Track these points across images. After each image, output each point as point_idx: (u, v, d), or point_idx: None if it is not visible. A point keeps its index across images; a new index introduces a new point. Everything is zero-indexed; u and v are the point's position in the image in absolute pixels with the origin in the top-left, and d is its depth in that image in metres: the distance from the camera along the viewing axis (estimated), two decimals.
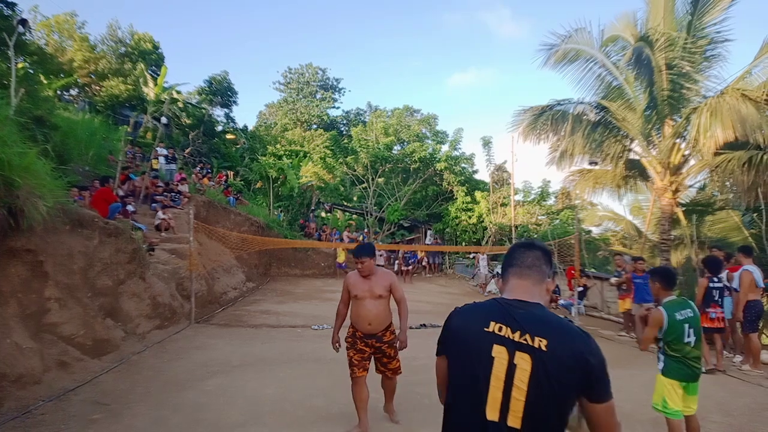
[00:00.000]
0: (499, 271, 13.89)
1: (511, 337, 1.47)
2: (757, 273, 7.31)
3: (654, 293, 4.08)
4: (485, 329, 1.50)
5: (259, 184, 25.33)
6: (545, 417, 1.41)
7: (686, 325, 3.81)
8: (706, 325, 7.27)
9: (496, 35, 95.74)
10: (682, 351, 3.80)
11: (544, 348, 1.43)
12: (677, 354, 3.80)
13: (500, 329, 1.48)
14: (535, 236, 23.80)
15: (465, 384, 1.51)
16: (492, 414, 1.44)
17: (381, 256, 19.50)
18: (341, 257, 20.46)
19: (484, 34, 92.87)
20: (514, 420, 1.42)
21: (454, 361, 1.58)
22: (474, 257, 21.06)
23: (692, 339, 3.83)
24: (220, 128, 29.80)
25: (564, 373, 1.42)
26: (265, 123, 43.31)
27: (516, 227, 23.53)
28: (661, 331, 3.84)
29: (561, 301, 14.23)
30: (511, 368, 1.44)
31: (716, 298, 7.33)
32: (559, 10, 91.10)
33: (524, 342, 1.45)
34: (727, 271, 8.00)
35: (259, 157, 26.88)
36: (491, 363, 1.46)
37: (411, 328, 10.33)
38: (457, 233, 26.60)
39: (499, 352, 1.46)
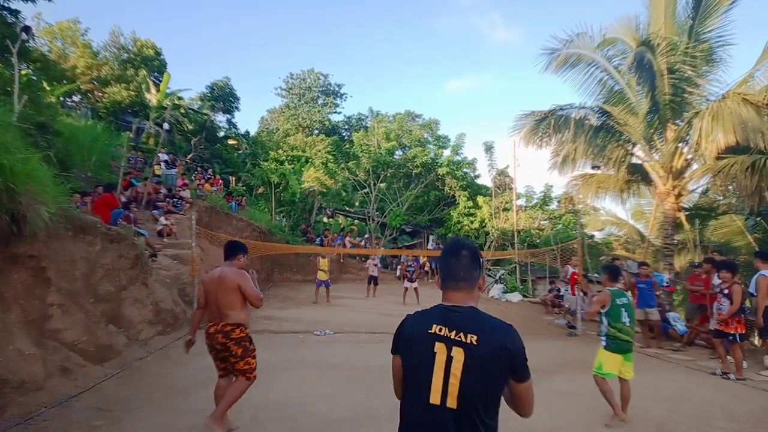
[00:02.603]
0: (501, 276, 13.88)
1: (448, 336, 1.77)
2: None
3: (603, 283, 5.27)
4: (429, 331, 1.80)
5: (261, 190, 25.36)
6: (476, 397, 1.72)
7: (622, 309, 4.99)
8: (745, 332, 7.25)
9: (489, 40, 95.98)
10: (620, 328, 4.95)
11: (474, 342, 1.74)
12: (615, 330, 4.94)
13: (440, 330, 1.78)
14: (538, 241, 23.78)
15: (415, 376, 1.81)
16: (434, 398, 1.73)
17: (376, 266, 17.86)
18: (324, 273, 15.21)
19: (477, 38, 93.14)
20: (452, 401, 1.71)
21: (406, 359, 1.87)
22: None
23: (627, 320, 4.99)
24: (222, 134, 29.91)
25: (490, 360, 1.73)
26: (267, 128, 43.35)
27: (518, 232, 23.47)
28: (604, 309, 5.05)
29: (566, 306, 14.08)
30: (449, 360, 1.74)
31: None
32: (552, 14, 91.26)
33: (459, 339, 1.75)
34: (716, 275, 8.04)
35: (261, 163, 26.92)
36: (434, 357, 1.76)
37: None
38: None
39: (439, 348, 1.76)
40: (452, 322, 1.78)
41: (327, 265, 15.46)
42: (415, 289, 15.85)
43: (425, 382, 1.75)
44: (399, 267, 24.46)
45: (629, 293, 9.73)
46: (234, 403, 4.40)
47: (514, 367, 1.76)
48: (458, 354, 1.73)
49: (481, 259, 1.94)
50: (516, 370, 1.76)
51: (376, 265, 17.79)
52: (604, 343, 5.07)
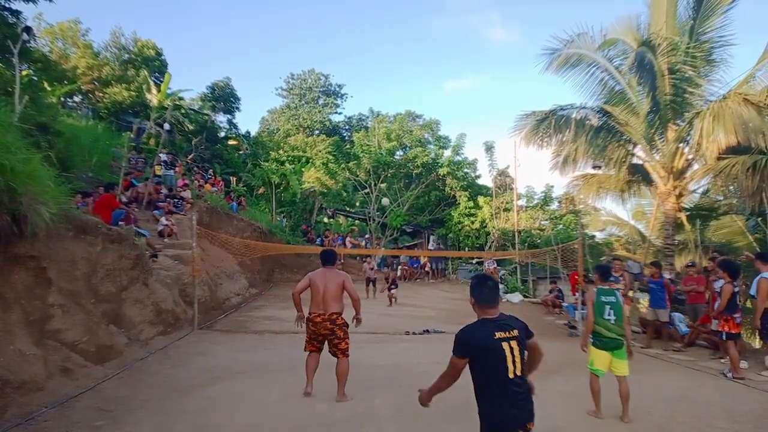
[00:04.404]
0: (502, 276, 13.91)
1: (506, 336, 2.77)
2: None
3: (594, 282, 5.57)
4: (494, 338, 2.75)
5: (261, 190, 25.36)
6: (525, 362, 2.80)
7: (607, 306, 5.18)
8: (733, 331, 7.22)
9: (487, 41, 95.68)
10: (603, 324, 5.15)
11: (516, 334, 2.80)
12: (600, 327, 5.16)
13: (500, 335, 2.76)
14: (538, 241, 23.79)
15: (494, 366, 2.73)
16: (511, 374, 2.71)
17: (372, 269, 17.75)
18: None
19: (475, 39, 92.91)
20: (519, 371, 2.75)
21: (482, 358, 2.75)
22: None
23: (611, 318, 5.15)
24: (222, 134, 29.86)
25: (524, 338, 2.84)
26: (267, 129, 43.35)
27: (519, 232, 23.47)
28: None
29: (564, 305, 14.16)
30: (512, 349, 2.74)
31: (737, 303, 7.31)
32: (550, 14, 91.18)
33: (511, 336, 2.78)
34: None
35: (262, 163, 26.92)
36: (504, 351, 2.72)
37: (414, 333, 10.35)
38: (460, 238, 26.55)
39: (506, 346, 2.74)
40: (503, 328, 2.78)
41: None
42: (394, 296, 15.33)
43: (504, 367, 2.70)
44: (399, 267, 24.51)
45: (624, 293, 9.84)
46: (346, 378, 5.53)
47: (529, 333, 2.89)
48: (515, 344, 2.75)
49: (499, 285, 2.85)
50: (529, 334, 2.89)
51: (372, 268, 17.74)
52: (591, 340, 5.32)
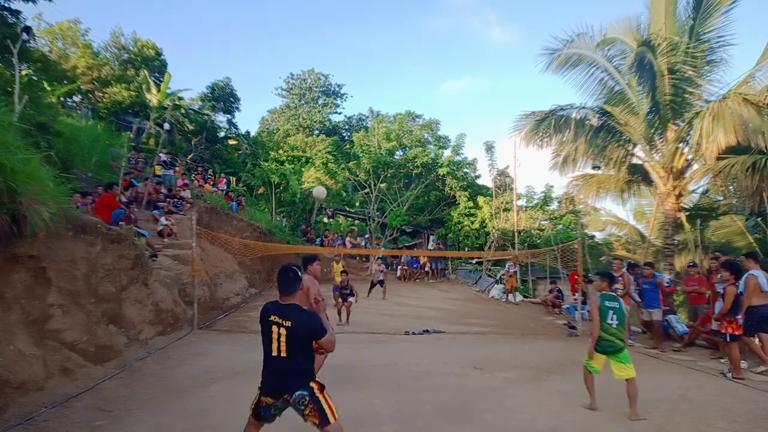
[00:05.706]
0: (502, 276, 13.70)
1: (277, 321, 3.32)
2: (762, 277, 7.23)
3: (600, 288, 5.59)
4: (269, 318, 3.36)
5: (261, 190, 25.37)
6: (294, 350, 3.31)
7: (611, 311, 5.27)
8: (737, 333, 7.23)
9: (485, 42, 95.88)
10: (605, 328, 5.24)
11: (290, 324, 3.30)
12: (602, 331, 5.24)
13: (274, 318, 3.34)
14: (538, 241, 23.79)
15: (264, 341, 3.37)
16: (274, 352, 3.32)
17: (382, 272, 17.46)
18: (339, 277, 13.56)
19: (473, 40, 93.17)
20: (283, 353, 3.29)
21: (261, 330, 3.41)
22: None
23: (614, 322, 5.24)
24: (222, 134, 29.86)
25: (299, 333, 3.30)
26: (267, 129, 43.42)
27: (519, 232, 23.45)
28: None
29: (565, 306, 14.16)
30: (279, 335, 3.30)
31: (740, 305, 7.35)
32: (547, 15, 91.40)
33: (281, 323, 3.31)
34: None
35: (262, 163, 26.92)
36: (272, 333, 3.32)
37: (414, 333, 10.34)
38: (460, 238, 26.53)
39: (274, 329, 3.32)
40: (281, 313, 3.35)
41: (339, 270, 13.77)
42: (347, 307, 12.35)
43: (270, 344, 3.32)
44: (399, 267, 24.53)
45: (623, 293, 9.82)
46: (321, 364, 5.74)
47: (314, 333, 3.35)
48: (283, 330, 3.30)
49: (300, 276, 3.63)
50: (316, 335, 3.35)
51: (382, 271, 17.66)
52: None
